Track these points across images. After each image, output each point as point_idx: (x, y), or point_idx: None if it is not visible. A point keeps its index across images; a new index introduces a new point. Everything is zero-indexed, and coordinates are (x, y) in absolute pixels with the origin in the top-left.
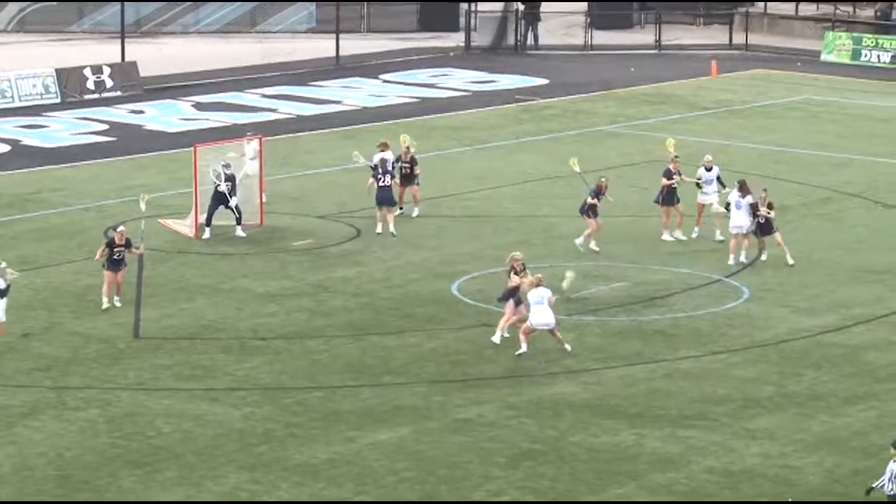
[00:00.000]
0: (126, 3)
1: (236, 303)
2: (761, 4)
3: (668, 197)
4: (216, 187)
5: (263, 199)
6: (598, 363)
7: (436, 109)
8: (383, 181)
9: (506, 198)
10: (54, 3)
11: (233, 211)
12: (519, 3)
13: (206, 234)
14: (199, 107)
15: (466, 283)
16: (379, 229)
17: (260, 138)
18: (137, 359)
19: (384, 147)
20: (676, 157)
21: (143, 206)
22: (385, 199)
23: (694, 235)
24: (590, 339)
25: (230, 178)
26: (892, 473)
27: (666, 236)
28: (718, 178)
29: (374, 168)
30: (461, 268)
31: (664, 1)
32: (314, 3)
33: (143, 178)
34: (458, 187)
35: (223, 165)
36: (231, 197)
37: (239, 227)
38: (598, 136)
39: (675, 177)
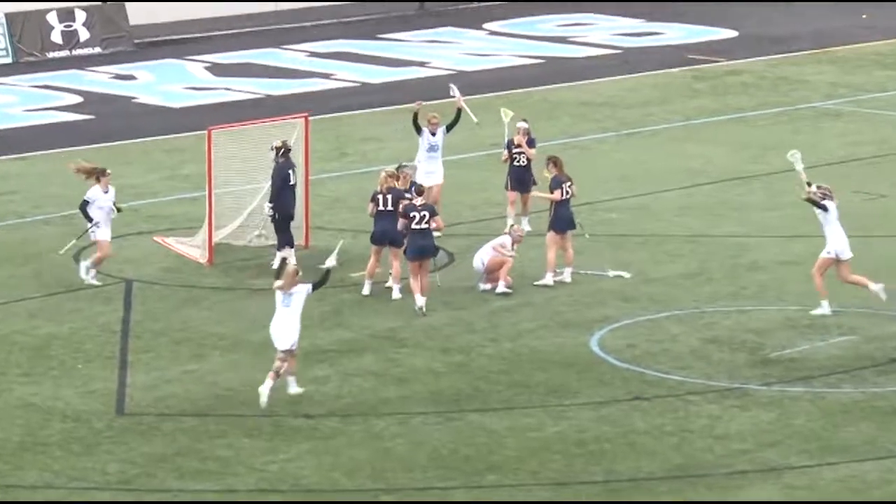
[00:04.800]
0: None
1: (268, 362)
2: None
3: None
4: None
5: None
6: (809, 457)
7: (566, 76)
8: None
9: (669, 207)
10: None
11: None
12: None
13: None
14: (217, 70)
15: (611, 336)
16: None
17: (306, 117)
18: (122, 444)
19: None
20: None
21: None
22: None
23: None
24: (798, 420)
25: (293, 167)
26: None
27: None
28: None
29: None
30: (602, 311)
31: None
32: None
33: (131, 176)
34: (597, 191)
35: (277, 149)
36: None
37: (291, 251)
38: (808, 115)
39: None
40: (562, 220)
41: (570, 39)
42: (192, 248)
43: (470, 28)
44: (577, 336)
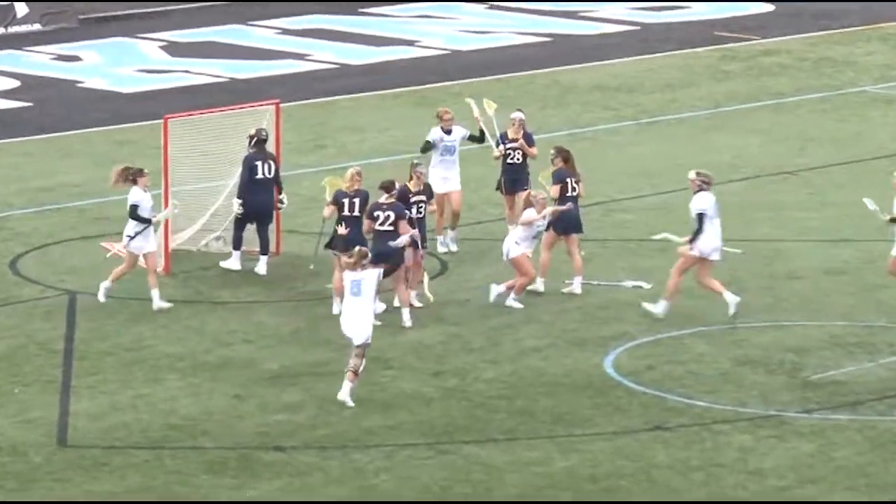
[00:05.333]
0: None
1: (233, 386)
2: None
3: None
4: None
5: (280, 204)
6: (856, 495)
7: (576, 57)
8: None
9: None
10: None
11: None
12: None
13: (235, 262)
14: (174, 50)
15: (628, 356)
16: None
17: (277, 104)
18: (64, 481)
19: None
20: None
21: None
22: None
23: None
24: (843, 453)
25: (272, 159)
26: None
27: None
28: None
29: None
30: (618, 328)
31: None
32: None
33: (74, 171)
34: (611, 189)
35: (250, 138)
36: (281, 196)
37: (263, 259)
38: (856, 101)
39: None
40: (562, 219)
41: (581, 14)
42: None
43: (466, 1)
44: (588, 356)
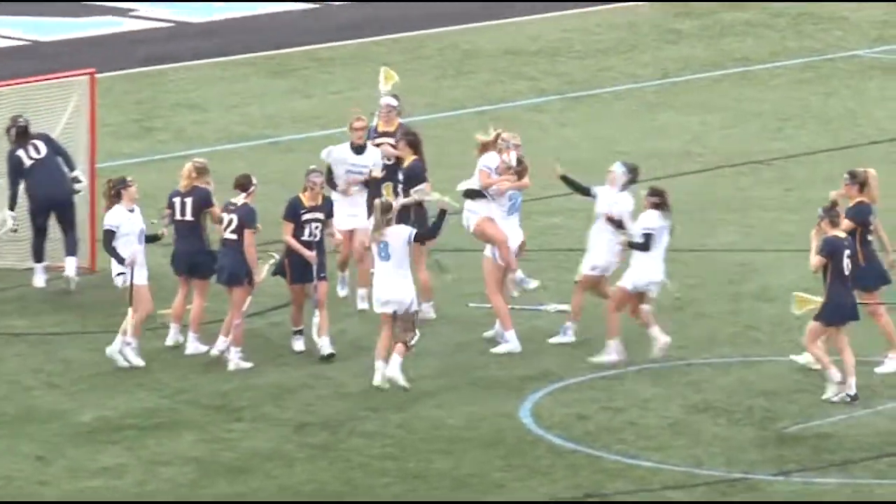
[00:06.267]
0: None
1: (35, 444)
2: None
3: None
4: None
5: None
6: None
7: (484, 12)
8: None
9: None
10: None
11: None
12: None
13: (40, 279)
14: None
15: (552, 401)
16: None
17: (91, 74)
18: None
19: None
20: None
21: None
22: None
23: None
24: None
25: (37, 139)
26: None
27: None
28: None
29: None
30: (539, 364)
31: None
32: None
33: None
34: (534, 184)
35: (7, 130)
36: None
37: (72, 262)
38: (845, 69)
39: None
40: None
41: None
42: None
43: None
44: (500, 402)
